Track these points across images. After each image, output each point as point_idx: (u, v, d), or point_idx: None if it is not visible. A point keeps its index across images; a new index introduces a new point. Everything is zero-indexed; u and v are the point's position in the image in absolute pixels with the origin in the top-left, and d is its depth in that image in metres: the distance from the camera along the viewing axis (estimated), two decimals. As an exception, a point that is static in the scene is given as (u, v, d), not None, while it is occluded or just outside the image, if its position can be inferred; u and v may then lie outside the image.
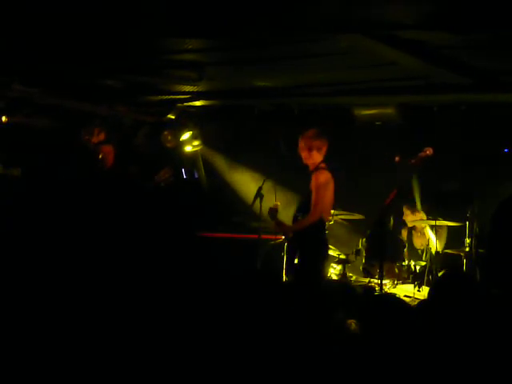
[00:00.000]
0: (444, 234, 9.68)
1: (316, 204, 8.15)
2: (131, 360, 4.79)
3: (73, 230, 8.87)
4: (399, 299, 5.48)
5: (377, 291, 8.69)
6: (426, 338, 4.15)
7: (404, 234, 9.87)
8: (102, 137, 9.31)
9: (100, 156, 9.17)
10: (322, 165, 8.34)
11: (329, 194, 8.31)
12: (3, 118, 9.67)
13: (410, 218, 9.82)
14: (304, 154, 8.36)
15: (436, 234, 9.35)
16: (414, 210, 9.80)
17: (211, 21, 6.88)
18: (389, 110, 9.77)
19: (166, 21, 6.99)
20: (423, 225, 9.61)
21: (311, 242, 8.22)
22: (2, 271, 7.57)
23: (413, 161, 7.89)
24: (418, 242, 9.83)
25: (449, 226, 9.50)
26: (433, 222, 9.29)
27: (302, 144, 8.37)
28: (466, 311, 4.11)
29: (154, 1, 6.51)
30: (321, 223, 8.29)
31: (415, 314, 4.52)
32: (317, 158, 8.32)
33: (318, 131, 8.42)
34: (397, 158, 8.87)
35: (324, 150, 8.36)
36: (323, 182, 8.21)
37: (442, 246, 9.58)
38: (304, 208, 8.33)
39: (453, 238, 9.64)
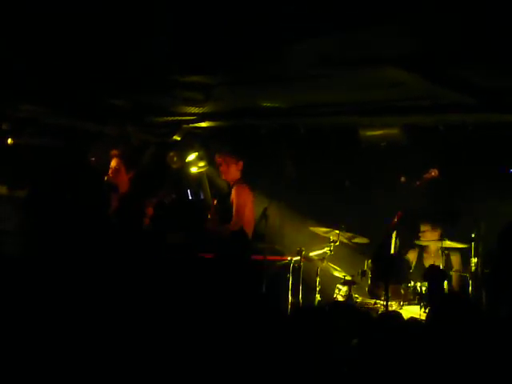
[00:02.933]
0: (458, 256, 9.63)
1: (236, 216, 9.07)
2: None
3: (80, 251, 8.83)
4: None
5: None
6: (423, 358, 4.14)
7: (411, 255, 9.80)
8: (114, 152, 9.20)
9: (110, 169, 9.03)
10: (241, 181, 9.31)
11: (248, 208, 9.24)
12: (9, 140, 9.66)
13: (428, 236, 9.69)
14: (222, 169, 9.41)
15: (450, 255, 9.33)
16: (434, 226, 9.67)
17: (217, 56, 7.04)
18: (394, 131, 9.76)
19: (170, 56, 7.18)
20: (439, 245, 9.48)
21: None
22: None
23: (418, 182, 7.91)
24: (428, 264, 9.76)
25: (460, 249, 9.44)
26: (440, 244, 9.24)
27: (219, 159, 9.47)
28: (463, 334, 4.09)
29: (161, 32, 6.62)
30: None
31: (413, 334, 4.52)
32: (235, 173, 9.34)
33: (231, 149, 9.48)
34: (402, 179, 8.88)
35: (241, 166, 9.36)
36: (243, 197, 9.17)
37: (457, 267, 9.54)
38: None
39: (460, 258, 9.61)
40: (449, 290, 8.92)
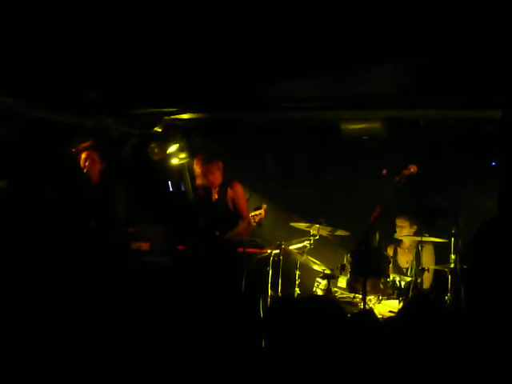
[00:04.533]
0: (431, 250, 9.65)
1: (246, 210, 9.13)
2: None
3: (56, 243, 8.85)
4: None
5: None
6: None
7: (390, 250, 9.85)
8: (87, 143, 9.20)
9: (84, 160, 9.03)
10: (233, 179, 9.42)
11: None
12: (-13, 132, 9.63)
13: (405, 232, 9.71)
14: (211, 179, 9.36)
15: (422, 250, 9.34)
16: (412, 222, 9.71)
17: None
18: (375, 125, 9.76)
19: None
20: (414, 239, 9.52)
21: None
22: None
23: (397, 178, 7.94)
24: (403, 260, 9.82)
25: (434, 243, 9.47)
26: (419, 238, 9.26)
27: (199, 170, 9.36)
28: (430, 335, 4.10)
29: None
30: None
31: (382, 328, 4.53)
32: (219, 177, 9.38)
33: (207, 156, 9.42)
34: (384, 171, 8.90)
35: (221, 167, 9.38)
36: (242, 192, 9.35)
37: (430, 262, 9.55)
38: (222, 223, 9.16)
39: (439, 254, 9.62)
40: (417, 288, 8.96)
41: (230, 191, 9.17)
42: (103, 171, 9.06)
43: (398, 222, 9.77)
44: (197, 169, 9.28)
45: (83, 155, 9.00)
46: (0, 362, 5.21)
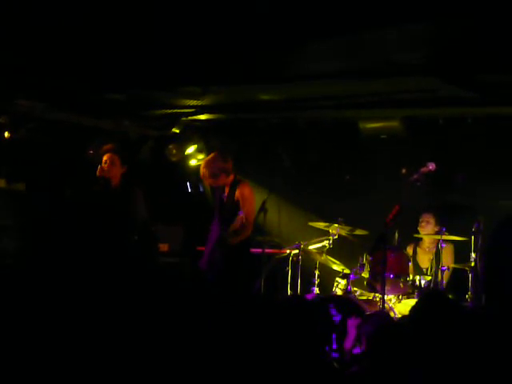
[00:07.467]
0: (451, 249, 9.55)
1: (249, 215, 8.60)
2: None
3: (76, 245, 8.85)
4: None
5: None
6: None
7: (409, 249, 9.75)
8: (108, 146, 9.06)
9: (104, 163, 8.89)
10: (242, 179, 8.83)
11: (253, 206, 8.79)
12: (6, 134, 9.64)
13: (430, 228, 9.54)
14: (210, 182, 8.89)
15: (442, 249, 9.24)
16: (437, 220, 9.53)
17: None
18: (394, 123, 9.72)
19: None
20: (434, 238, 9.40)
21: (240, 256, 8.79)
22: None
23: (415, 176, 7.87)
24: (423, 259, 9.71)
25: (454, 241, 9.37)
26: (439, 237, 9.16)
27: (205, 172, 8.77)
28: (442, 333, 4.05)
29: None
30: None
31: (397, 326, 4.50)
32: (227, 179, 8.72)
33: (219, 155, 8.83)
34: (403, 170, 8.84)
35: (230, 168, 8.72)
36: (252, 197, 8.76)
37: (450, 261, 9.46)
38: (225, 221, 8.75)
39: (459, 252, 9.53)
40: (434, 286, 8.89)
41: (238, 190, 8.81)
42: (124, 174, 8.94)
43: (425, 217, 9.59)
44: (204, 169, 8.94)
45: (104, 158, 8.88)
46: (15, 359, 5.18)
